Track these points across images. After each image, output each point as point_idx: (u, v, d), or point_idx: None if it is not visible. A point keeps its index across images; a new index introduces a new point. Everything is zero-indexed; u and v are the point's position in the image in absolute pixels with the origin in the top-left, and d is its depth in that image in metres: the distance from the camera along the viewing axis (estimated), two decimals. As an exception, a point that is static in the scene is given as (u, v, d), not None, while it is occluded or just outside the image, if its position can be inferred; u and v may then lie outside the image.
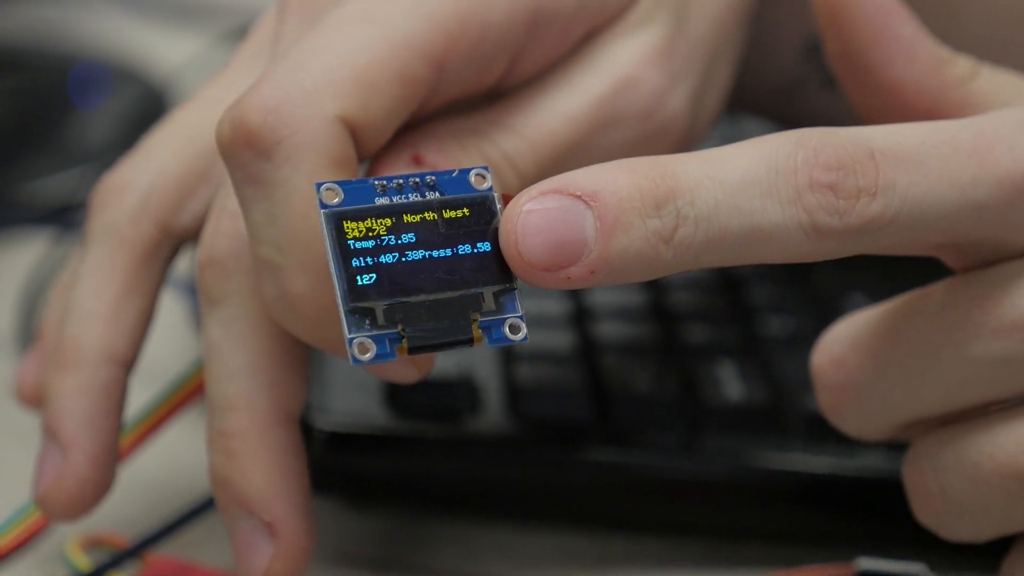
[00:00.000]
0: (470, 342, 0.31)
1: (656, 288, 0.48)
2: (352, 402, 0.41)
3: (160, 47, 0.75)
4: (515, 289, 0.32)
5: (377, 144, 0.34)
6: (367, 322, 0.31)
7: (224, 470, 0.35)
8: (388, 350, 0.31)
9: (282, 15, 0.37)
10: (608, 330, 0.46)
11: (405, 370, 0.34)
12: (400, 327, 0.31)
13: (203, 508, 0.39)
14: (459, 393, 0.42)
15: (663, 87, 0.38)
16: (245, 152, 0.33)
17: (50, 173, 0.63)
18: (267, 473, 0.35)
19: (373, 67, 0.34)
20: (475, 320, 0.31)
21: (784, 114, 0.53)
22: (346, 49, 0.34)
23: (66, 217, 0.57)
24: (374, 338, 0.31)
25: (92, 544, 0.39)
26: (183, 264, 0.49)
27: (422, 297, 0.31)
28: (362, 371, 0.42)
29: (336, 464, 0.41)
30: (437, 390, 0.42)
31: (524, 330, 0.32)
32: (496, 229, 0.32)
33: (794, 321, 0.47)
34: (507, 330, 0.31)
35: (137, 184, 0.38)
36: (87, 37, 0.77)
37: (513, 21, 0.35)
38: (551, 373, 0.43)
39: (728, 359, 0.44)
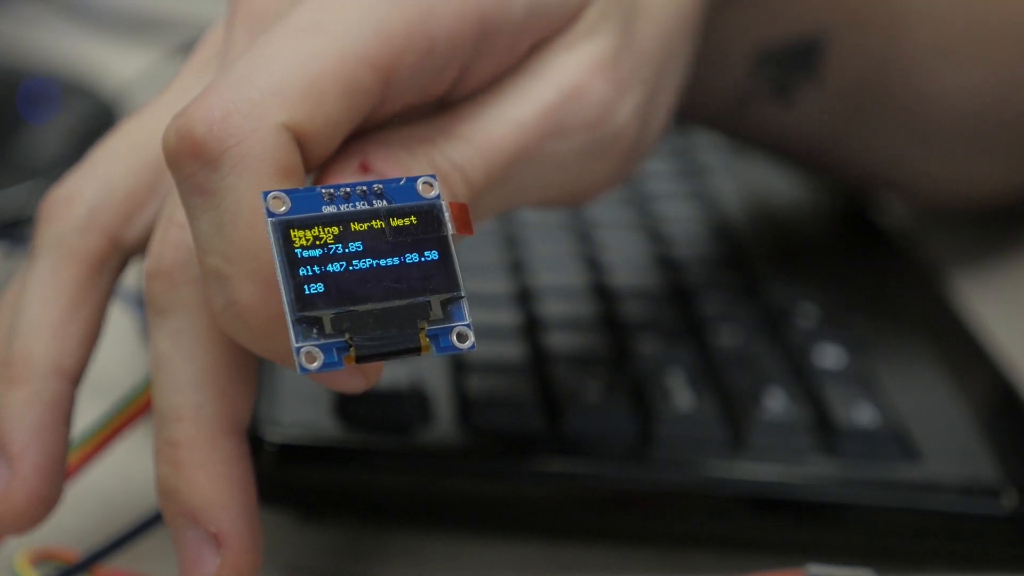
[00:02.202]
0: (418, 350, 0.31)
1: (607, 298, 0.49)
2: (302, 414, 0.41)
3: (110, 61, 0.75)
4: (462, 297, 0.32)
5: (324, 154, 0.34)
6: (315, 331, 0.31)
7: (171, 480, 0.35)
8: (336, 359, 0.31)
9: (230, 26, 0.37)
10: (559, 341, 0.46)
11: (353, 380, 0.34)
12: (348, 336, 0.31)
13: (154, 522, 0.38)
14: (410, 404, 0.42)
15: (610, 97, 0.38)
16: (191, 162, 0.33)
17: (-1, 188, 0.62)
18: (214, 483, 0.35)
19: (320, 77, 0.34)
20: (423, 329, 0.31)
21: (735, 127, 0.54)
22: (293, 59, 0.34)
23: (16, 232, 0.57)
24: (322, 347, 0.31)
25: (42, 558, 0.39)
26: (133, 278, 0.49)
27: (369, 306, 0.31)
28: (312, 383, 0.42)
29: (286, 476, 0.41)
30: (388, 402, 0.42)
31: (472, 338, 0.32)
32: (445, 238, 0.32)
33: (744, 331, 0.47)
34: (455, 338, 0.31)
35: (85, 196, 0.38)
36: (36, 51, 0.77)
37: (461, 33, 0.36)
38: (502, 384, 0.43)
39: (678, 369, 0.45)
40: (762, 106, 0.52)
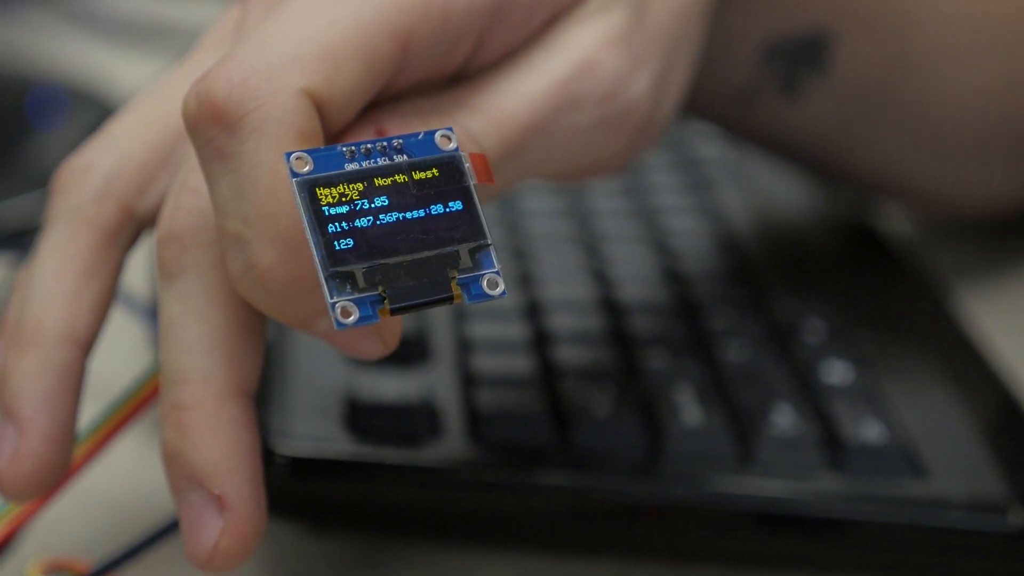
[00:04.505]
0: (450, 299, 0.31)
1: (615, 312, 0.49)
2: (313, 427, 0.41)
3: (118, 69, 0.75)
4: (490, 245, 0.32)
5: (342, 121, 0.35)
6: (348, 286, 0.31)
7: (176, 444, 0.35)
8: (371, 312, 0.31)
9: (245, 4, 0.37)
10: (568, 354, 0.46)
11: (372, 345, 0.34)
12: (380, 289, 0.31)
13: (165, 532, 0.38)
14: (420, 418, 0.42)
15: (624, 70, 0.38)
16: (211, 126, 0.33)
17: (8, 196, 0.62)
18: (220, 446, 0.35)
19: (338, 44, 0.34)
20: (453, 278, 0.31)
21: (741, 123, 0.54)
22: (311, 26, 0.34)
23: (25, 240, 0.57)
24: (356, 301, 0.31)
25: (52, 568, 0.39)
26: (140, 285, 0.49)
27: (400, 258, 0.31)
28: (323, 395, 0.42)
29: (297, 489, 0.41)
30: (398, 415, 0.42)
31: (502, 285, 0.32)
32: (467, 188, 0.32)
33: (752, 346, 0.47)
34: (485, 285, 0.32)
35: (100, 166, 0.38)
36: (45, 59, 0.77)
37: (476, 4, 0.36)
38: (511, 397, 0.43)
39: (687, 384, 0.45)
40: (769, 100, 0.52)
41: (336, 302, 0.31)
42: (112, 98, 0.70)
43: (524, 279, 0.51)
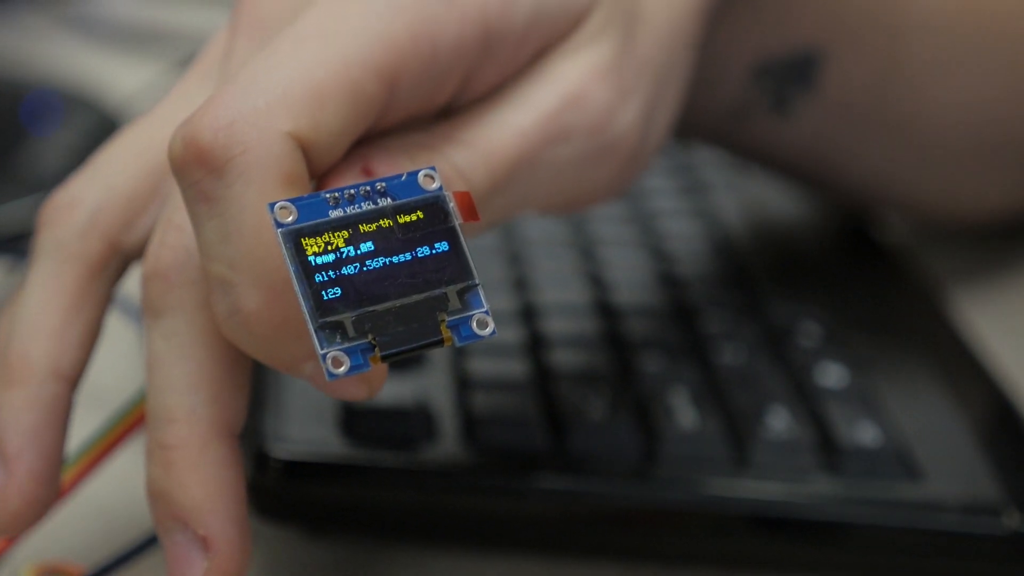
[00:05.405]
0: (440, 343, 0.31)
1: (610, 316, 0.49)
2: (308, 431, 0.41)
3: (114, 74, 0.75)
4: (477, 285, 0.32)
5: (329, 161, 0.35)
6: (338, 336, 0.31)
7: (161, 483, 0.35)
8: (362, 361, 0.31)
9: (233, 34, 0.37)
10: (563, 358, 0.46)
11: (356, 388, 0.34)
12: (371, 336, 0.31)
13: (158, 539, 0.38)
14: (415, 421, 0.42)
15: (613, 102, 0.38)
16: (197, 170, 0.33)
17: (2, 202, 0.62)
18: (205, 486, 0.35)
19: (325, 85, 0.34)
20: (443, 320, 0.31)
21: (732, 140, 0.54)
22: (298, 67, 0.34)
23: (19, 246, 0.57)
24: (347, 351, 0.31)
25: (47, 572, 0.39)
26: (136, 291, 0.49)
27: (388, 304, 0.31)
28: (318, 399, 0.42)
29: (292, 493, 0.41)
30: (393, 418, 0.42)
31: (491, 325, 0.32)
32: (453, 228, 0.32)
33: (746, 350, 0.47)
34: (475, 326, 0.32)
35: (87, 200, 0.38)
36: (40, 64, 0.77)
37: (464, 40, 0.36)
38: (506, 401, 0.43)
39: (682, 387, 0.45)
40: (759, 119, 0.52)
41: (327, 352, 0.31)
42: (107, 103, 0.70)
43: (519, 283, 0.51)
